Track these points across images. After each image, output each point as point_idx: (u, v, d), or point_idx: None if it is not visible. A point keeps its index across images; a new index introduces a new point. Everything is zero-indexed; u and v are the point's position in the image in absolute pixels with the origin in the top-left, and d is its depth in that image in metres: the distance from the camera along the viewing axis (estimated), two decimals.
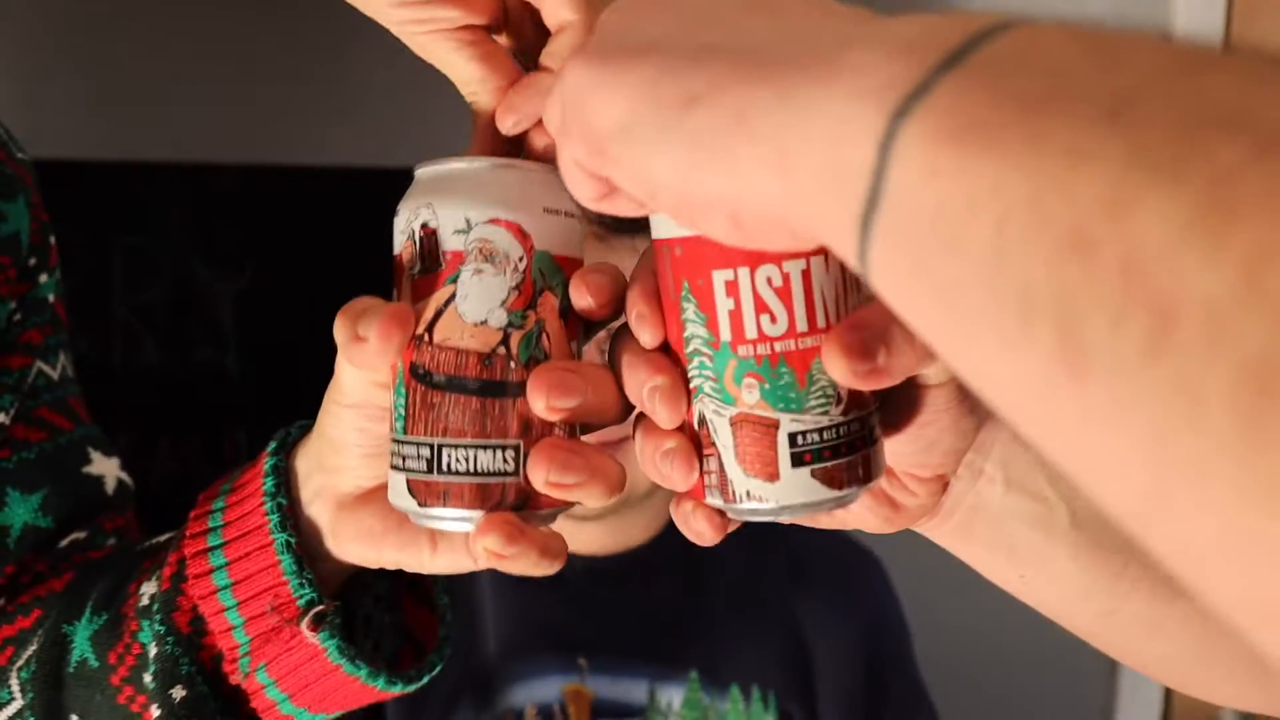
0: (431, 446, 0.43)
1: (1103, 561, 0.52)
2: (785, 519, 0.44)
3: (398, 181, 0.48)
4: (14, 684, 0.59)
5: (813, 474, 0.42)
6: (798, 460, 0.41)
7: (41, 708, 0.58)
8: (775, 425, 0.41)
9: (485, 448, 0.43)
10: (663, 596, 1.02)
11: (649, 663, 0.99)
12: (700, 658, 1.00)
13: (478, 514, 0.43)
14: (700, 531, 0.46)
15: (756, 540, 1.06)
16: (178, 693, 0.54)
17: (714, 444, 0.43)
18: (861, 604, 1.07)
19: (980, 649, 1.43)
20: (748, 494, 0.42)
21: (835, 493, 0.42)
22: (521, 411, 0.44)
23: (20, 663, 0.59)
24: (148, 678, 0.54)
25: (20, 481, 0.63)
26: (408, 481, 0.44)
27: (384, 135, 1.40)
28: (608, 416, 0.45)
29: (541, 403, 0.43)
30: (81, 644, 0.57)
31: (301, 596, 0.51)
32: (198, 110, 1.35)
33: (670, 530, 1.00)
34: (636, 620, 1.00)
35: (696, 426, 0.43)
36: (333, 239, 1.39)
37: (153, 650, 0.54)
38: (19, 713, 0.59)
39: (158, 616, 0.54)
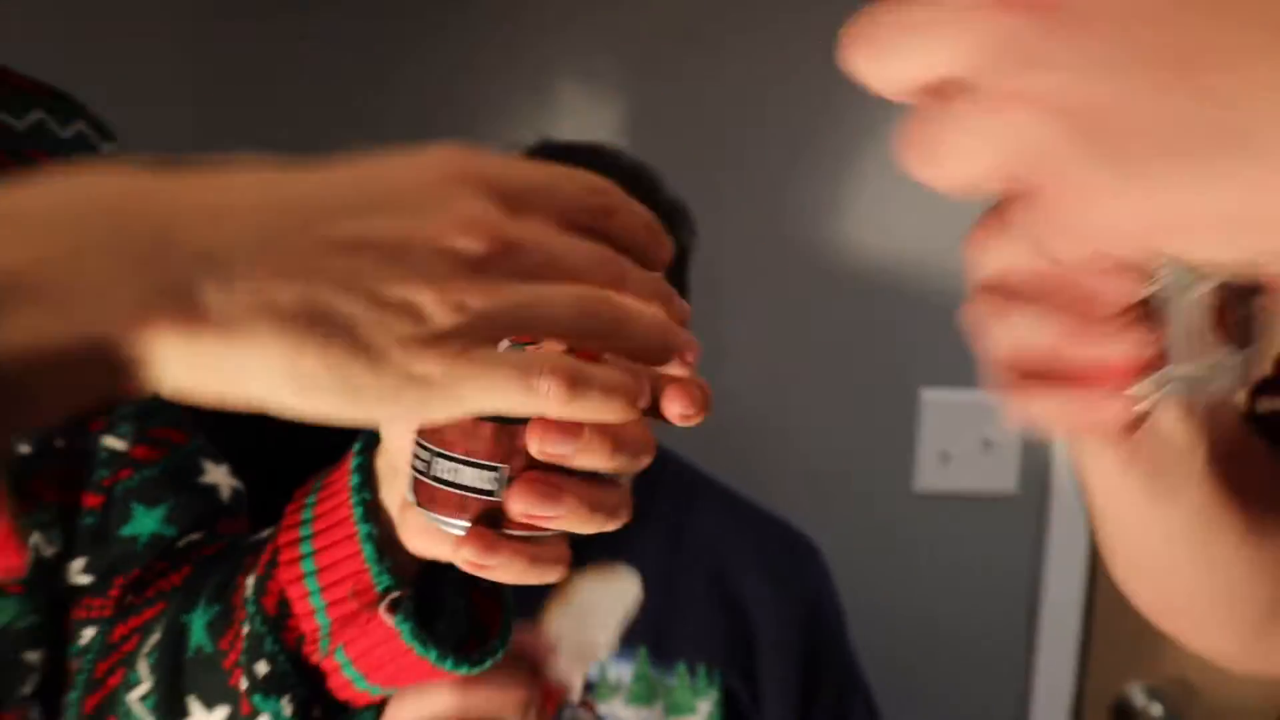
0: (430, 452, 0.48)
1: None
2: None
3: None
4: (142, 668, 0.66)
5: None
6: None
7: (165, 690, 0.64)
8: None
9: (470, 465, 0.47)
10: None
11: None
12: (649, 636, 1.07)
13: (462, 523, 0.47)
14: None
15: (702, 527, 1.16)
16: (261, 668, 0.59)
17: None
18: (802, 589, 1.15)
19: (906, 633, 1.52)
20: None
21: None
22: (514, 436, 0.46)
23: (146, 649, 0.66)
24: (244, 660, 0.60)
25: (145, 497, 0.69)
26: (413, 478, 0.49)
27: None
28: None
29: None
30: (198, 632, 0.64)
31: (380, 583, 0.56)
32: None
33: (636, 518, 1.09)
34: None
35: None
36: None
37: (248, 630, 0.59)
38: (147, 694, 0.66)
39: (253, 603, 0.60)
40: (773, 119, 1.55)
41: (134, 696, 0.66)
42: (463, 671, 0.58)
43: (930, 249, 1.56)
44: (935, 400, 1.57)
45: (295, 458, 0.69)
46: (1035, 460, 1.61)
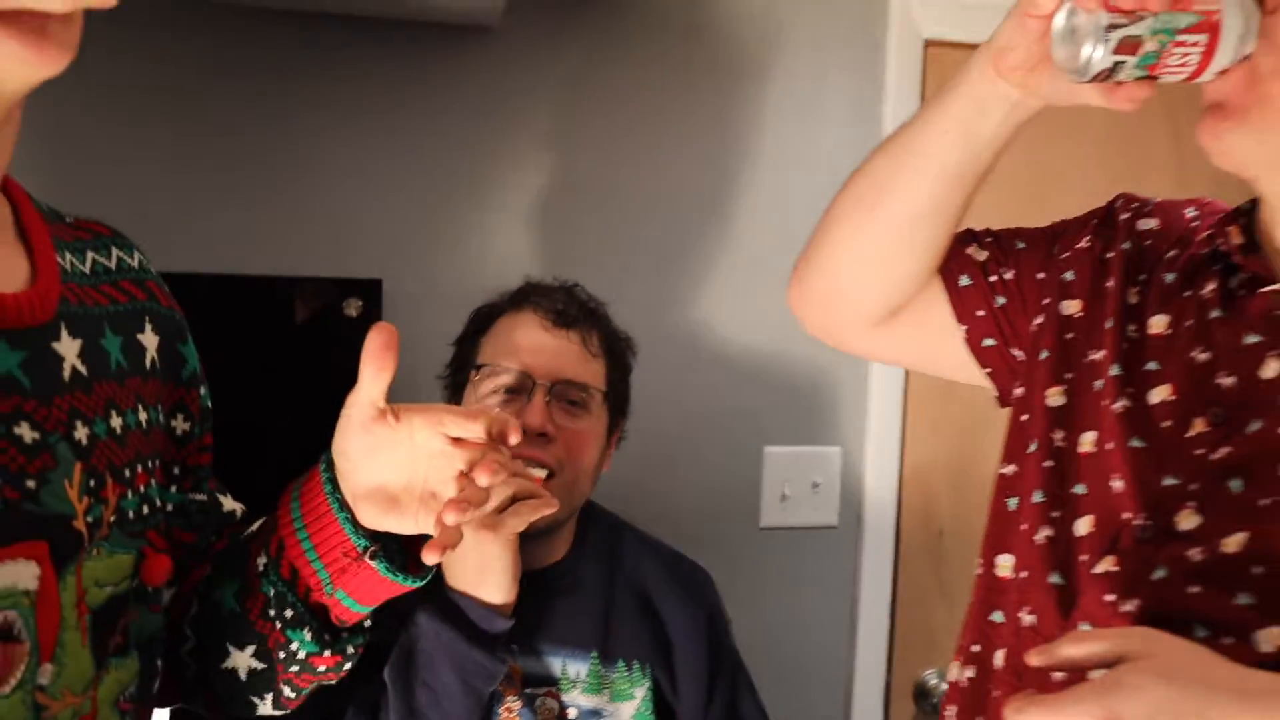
0: None
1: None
2: None
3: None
4: (188, 630, 0.90)
5: None
6: None
7: (207, 643, 0.89)
8: None
9: None
10: (570, 599, 1.31)
11: (562, 646, 1.29)
12: (598, 643, 1.30)
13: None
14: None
15: (628, 560, 1.38)
16: (287, 614, 0.86)
17: None
18: (702, 603, 1.40)
19: (758, 635, 1.66)
20: None
21: None
22: None
23: (189, 616, 0.90)
24: (271, 612, 0.86)
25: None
26: None
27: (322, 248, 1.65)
28: None
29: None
30: (228, 600, 0.88)
31: (360, 545, 0.83)
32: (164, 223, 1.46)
33: (573, 552, 1.34)
34: (552, 617, 1.29)
35: None
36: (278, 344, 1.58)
37: (271, 593, 0.85)
38: (193, 649, 0.90)
39: (270, 574, 0.85)
40: (650, 236, 1.77)
41: (185, 649, 0.90)
42: (418, 584, 0.87)
43: (771, 337, 1.82)
44: (775, 454, 1.85)
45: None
46: (851, 500, 1.89)
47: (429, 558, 0.81)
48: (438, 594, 1.16)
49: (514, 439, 0.85)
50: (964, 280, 1.04)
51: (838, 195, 1.04)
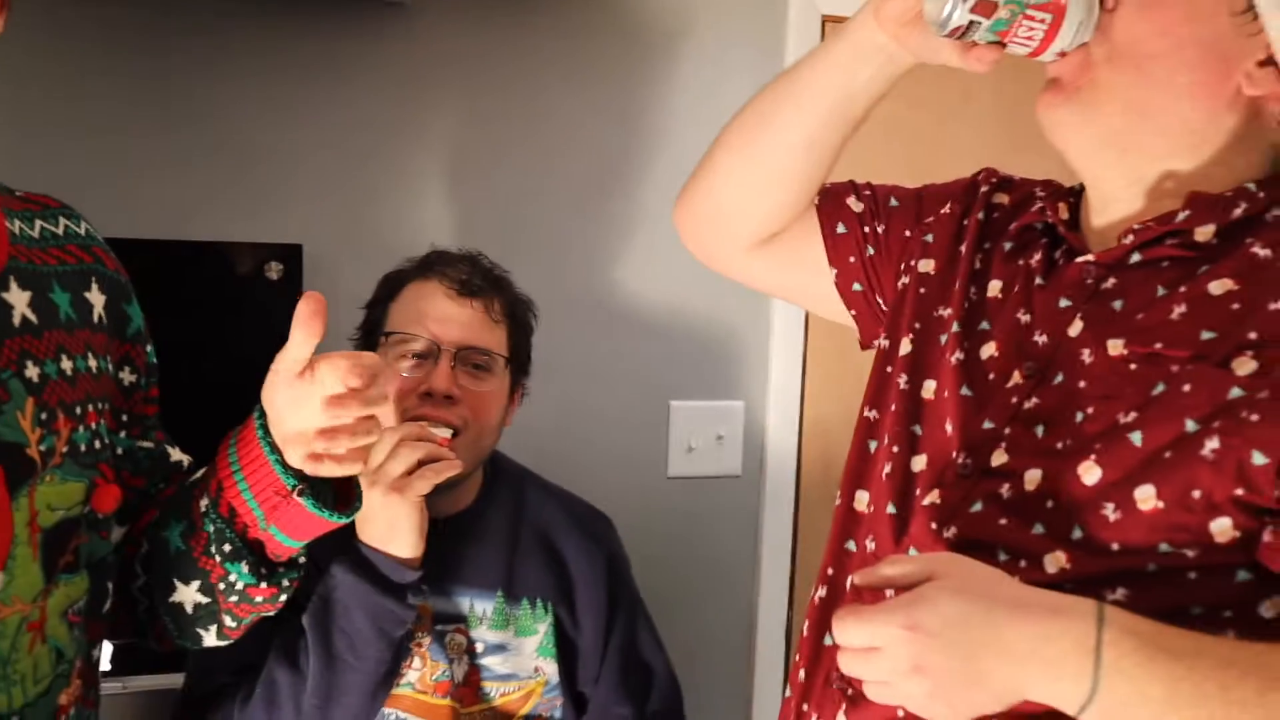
0: None
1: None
2: None
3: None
4: (138, 568, 0.97)
5: None
6: None
7: (156, 580, 0.96)
8: None
9: None
10: (475, 543, 1.40)
11: (469, 586, 1.38)
12: (503, 582, 1.39)
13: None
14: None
15: (531, 505, 1.47)
16: (226, 548, 0.92)
17: None
18: (601, 544, 1.49)
19: (667, 576, 1.80)
20: None
21: None
22: None
23: (140, 555, 0.97)
24: (212, 548, 0.93)
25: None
26: None
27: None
28: None
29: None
30: (175, 539, 0.94)
31: (290, 484, 0.89)
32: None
33: (481, 499, 1.43)
34: (460, 560, 1.38)
35: None
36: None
37: (211, 530, 0.92)
38: (144, 586, 0.97)
39: (211, 513, 0.92)
40: (558, 203, 1.84)
41: (136, 586, 0.97)
42: (344, 520, 0.94)
43: (675, 297, 1.91)
44: (681, 408, 1.94)
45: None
46: (754, 450, 1.98)
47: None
48: (351, 548, 1.25)
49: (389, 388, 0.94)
50: (840, 228, 1.14)
51: (726, 125, 1.14)
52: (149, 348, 1.00)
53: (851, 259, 1.14)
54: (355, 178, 1.75)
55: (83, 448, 0.85)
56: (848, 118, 1.05)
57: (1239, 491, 0.79)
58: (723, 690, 2.00)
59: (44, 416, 0.81)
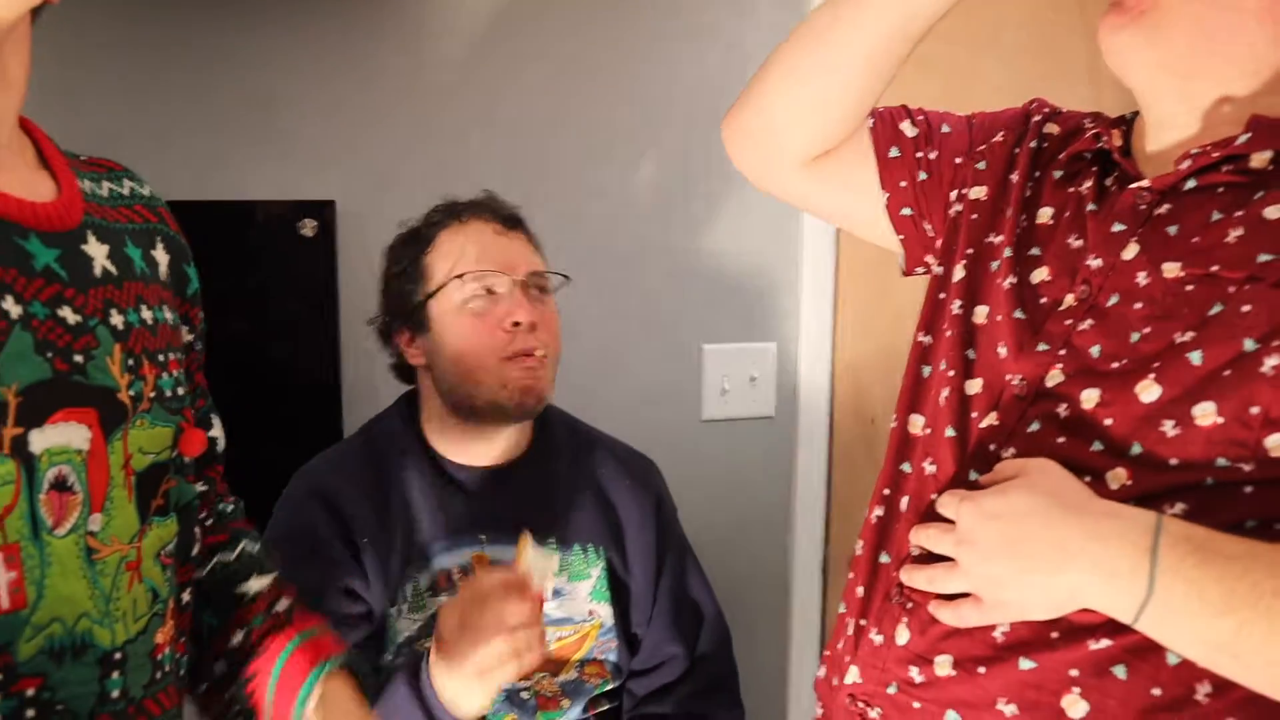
0: None
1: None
2: None
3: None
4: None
5: None
6: None
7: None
8: None
9: None
10: (529, 492, 1.41)
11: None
12: (554, 528, 1.40)
13: None
14: None
15: (583, 454, 1.49)
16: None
17: None
18: (649, 489, 1.50)
19: (706, 517, 1.76)
20: None
21: None
22: None
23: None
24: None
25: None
26: None
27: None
28: None
29: None
30: (207, 618, 0.99)
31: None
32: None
33: (533, 448, 1.44)
34: (513, 508, 1.38)
35: None
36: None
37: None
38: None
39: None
40: (592, 155, 1.84)
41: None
42: None
43: (707, 241, 1.91)
44: (713, 351, 1.95)
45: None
46: (786, 391, 2.00)
47: None
48: (421, 668, 1.19)
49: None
50: (893, 152, 1.13)
51: (781, 44, 1.11)
52: (201, 311, 1.01)
53: (903, 183, 1.14)
54: (386, 134, 1.75)
55: (168, 393, 0.86)
56: (908, 35, 1.03)
57: None
58: (762, 628, 2.02)
59: (130, 363, 0.82)
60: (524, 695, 1.39)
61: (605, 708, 1.45)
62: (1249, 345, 0.82)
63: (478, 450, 1.41)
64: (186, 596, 0.93)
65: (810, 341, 2.01)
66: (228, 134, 1.67)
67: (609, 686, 1.45)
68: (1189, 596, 0.77)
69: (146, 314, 0.86)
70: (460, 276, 1.37)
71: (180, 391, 0.89)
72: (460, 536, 1.38)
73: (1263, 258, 0.84)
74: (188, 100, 1.64)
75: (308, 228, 1.68)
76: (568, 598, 1.42)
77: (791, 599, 2.05)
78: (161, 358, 0.87)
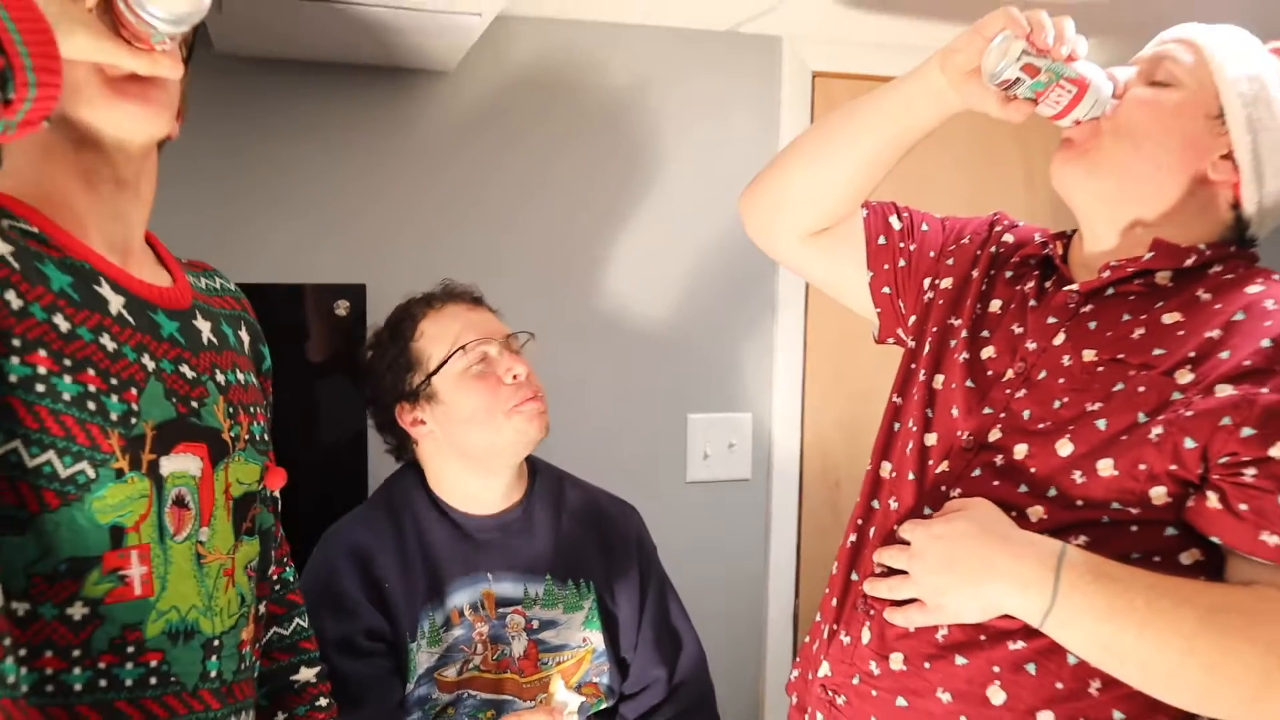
0: None
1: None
2: None
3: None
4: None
5: None
6: None
7: None
8: None
9: None
10: (527, 535, 1.59)
11: (523, 573, 1.56)
12: (551, 567, 1.58)
13: None
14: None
15: (570, 499, 1.65)
16: None
17: None
18: (630, 529, 1.67)
19: (688, 568, 1.86)
20: None
21: None
22: None
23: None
24: None
25: None
26: None
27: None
28: None
29: None
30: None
31: None
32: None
33: (528, 498, 1.63)
34: (514, 551, 1.57)
35: None
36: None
37: None
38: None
39: None
40: (586, 243, 2.05)
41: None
42: None
43: (690, 322, 2.11)
44: (697, 420, 2.14)
45: None
46: (762, 457, 2.18)
47: None
48: None
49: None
50: (881, 240, 1.37)
51: (802, 133, 1.35)
52: (271, 385, 1.22)
53: (886, 266, 1.36)
54: (410, 224, 1.97)
55: (257, 437, 1.08)
56: (902, 143, 1.27)
57: (1173, 467, 1.01)
58: (738, 666, 2.18)
59: (230, 411, 1.04)
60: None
61: None
62: (1141, 417, 1.04)
63: (482, 499, 1.59)
64: (262, 609, 1.13)
65: (782, 411, 2.21)
66: (274, 225, 1.88)
67: (604, 705, 1.61)
68: (1082, 607, 0.98)
69: (239, 376, 1.08)
70: (463, 349, 1.55)
71: (265, 438, 1.11)
72: (470, 576, 1.56)
73: (1156, 352, 1.07)
74: (235, 197, 1.86)
75: (341, 308, 1.90)
76: (564, 627, 1.59)
77: (766, 639, 2.21)
78: (251, 409, 1.09)
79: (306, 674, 1.25)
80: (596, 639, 1.61)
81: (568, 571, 1.61)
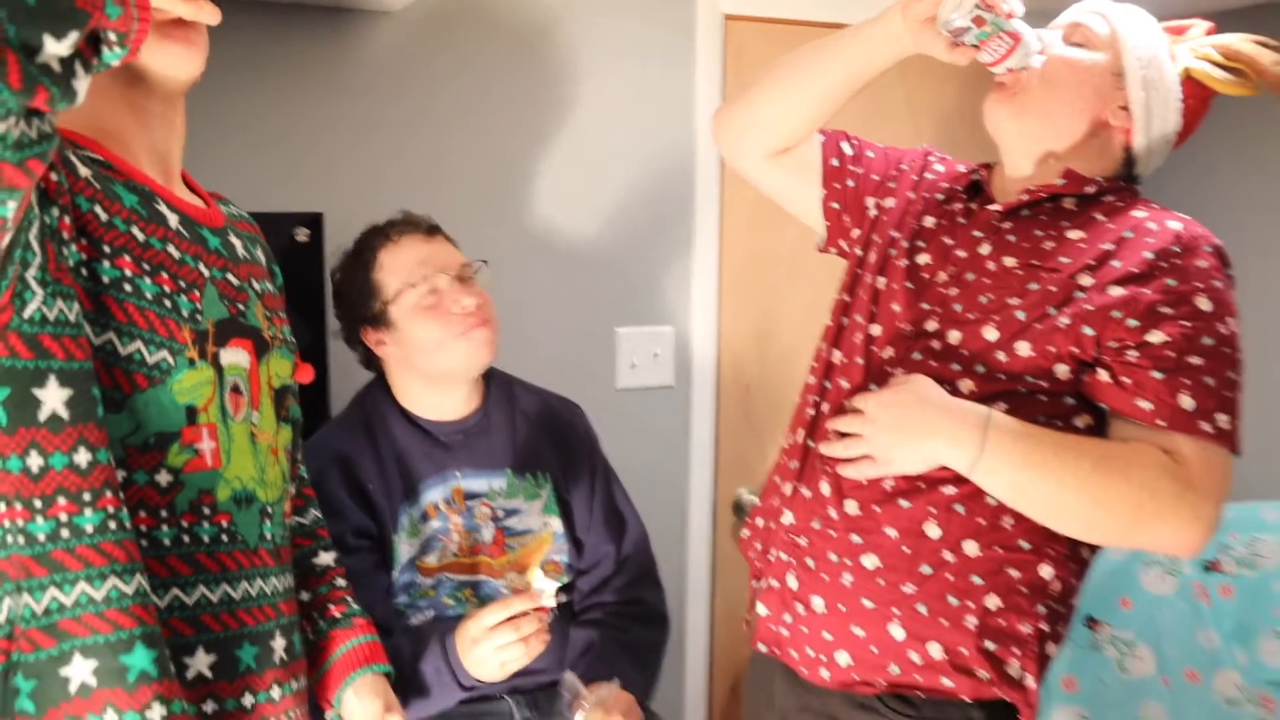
0: None
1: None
2: None
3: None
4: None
5: None
6: None
7: None
8: None
9: None
10: (488, 435, 1.75)
11: (486, 469, 1.72)
12: (510, 462, 1.74)
13: None
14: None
15: (522, 399, 1.81)
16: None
17: None
18: (578, 425, 1.85)
19: (619, 471, 1.99)
20: None
21: None
22: None
23: None
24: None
25: None
26: None
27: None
28: None
29: None
30: None
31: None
32: None
33: (486, 403, 1.78)
34: (478, 449, 1.73)
35: None
36: None
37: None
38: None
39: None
40: (522, 173, 2.17)
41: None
42: None
43: (620, 244, 2.25)
44: (625, 333, 2.30)
45: None
46: (682, 365, 2.35)
47: None
48: (448, 640, 1.54)
49: None
50: (834, 161, 1.55)
51: (775, 63, 1.51)
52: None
53: (836, 185, 1.55)
54: (359, 156, 2.07)
55: (287, 338, 1.21)
56: (861, 78, 1.44)
57: (1074, 349, 1.25)
58: (665, 547, 2.31)
59: (266, 314, 1.17)
60: (504, 590, 1.73)
61: (563, 600, 1.79)
62: (1051, 310, 1.27)
63: (444, 408, 1.74)
64: (293, 489, 1.27)
65: (700, 326, 2.39)
66: (236, 156, 1.97)
67: (565, 580, 1.79)
68: (1002, 458, 1.21)
69: (269, 285, 1.21)
70: (413, 285, 1.67)
71: (292, 339, 1.24)
72: (440, 475, 1.71)
73: (1063, 259, 1.30)
74: (199, 125, 1.92)
75: (302, 234, 2.00)
76: (525, 514, 1.76)
77: (689, 525, 2.42)
78: (281, 314, 1.22)
79: (325, 558, 1.39)
80: (555, 523, 1.78)
81: (525, 465, 1.77)
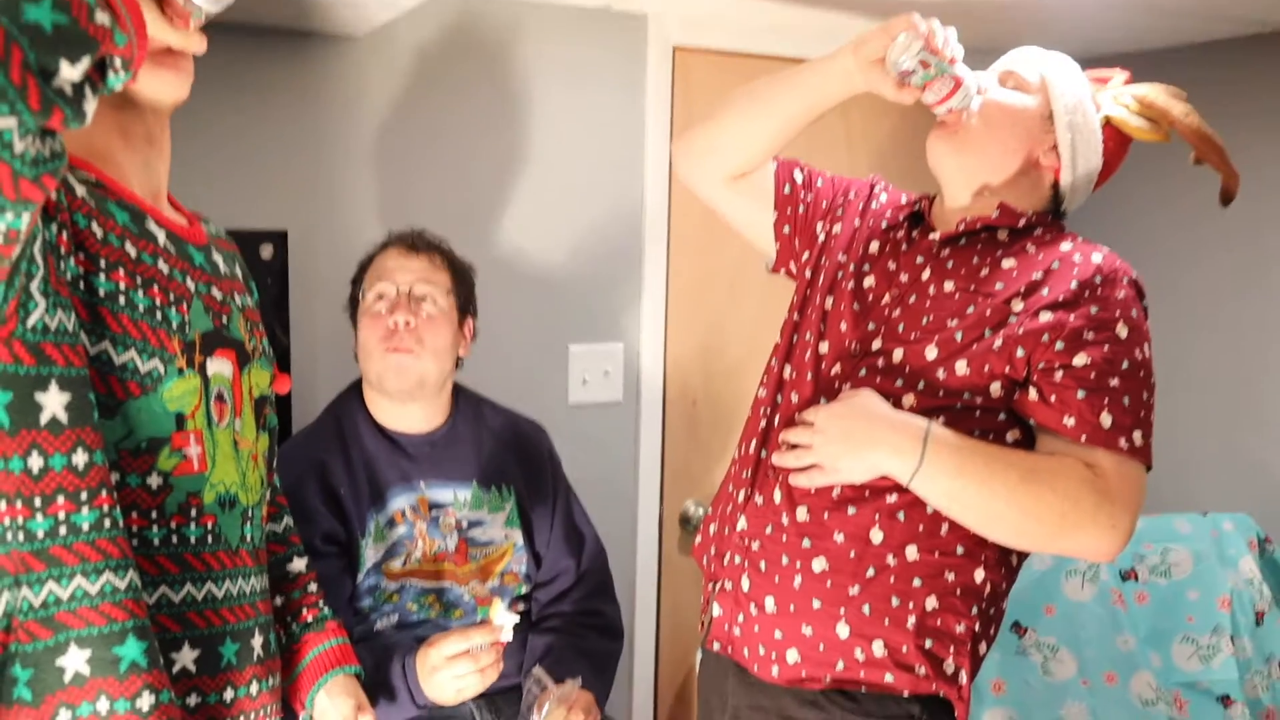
0: None
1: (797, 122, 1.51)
2: None
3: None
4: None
5: None
6: None
7: None
8: None
9: None
10: (454, 449, 1.80)
11: (452, 480, 1.78)
12: (476, 475, 1.79)
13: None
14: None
15: (489, 418, 1.87)
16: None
17: None
18: (542, 444, 1.91)
19: (570, 475, 2.04)
20: None
21: None
22: None
23: None
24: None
25: None
26: None
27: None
28: None
29: None
30: None
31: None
32: None
33: (452, 418, 1.83)
34: (443, 462, 1.78)
35: None
36: None
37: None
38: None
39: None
40: (478, 197, 2.22)
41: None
42: None
43: (573, 257, 2.32)
44: (577, 351, 2.36)
45: None
46: (631, 381, 2.42)
47: None
48: (408, 661, 1.57)
49: None
50: (786, 188, 1.63)
51: (735, 93, 1.57)
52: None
53: (789, 210, 1.63)
54: (324, 177, 2.11)
55: (266, 350, 1.26)
56: (814, 111, 1.52)
57: (1006, 369, 1.35)
58: (614, 557, 2.30)
59: (247, 326, 1.21)
60: (466, 597, 1.78)
61: (522, 608, 1.85)
62: (987, 333, 1.36)
63: (404, 421, 1.78)
64: (269, 494, 1.31)
65: (648, 343, 2.47)
66: (205, 175, 1.97)
67: (524, 590, 1.85)
68: (940, 468, 1.30)
69: (248, 300, 1.26)
70: (371, 288, 1.76)
71: (270, 351, 1.28)
72: (406, 484, 1.76)
73: (998, 286, 1.40)
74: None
75: (266, 251, 2.03)
76: (488, 525, 1.81)
77: (637, 535, 2.49)
78: (260, 327, 1.26)
79: (298, 564, 1.43)
80: (516, 535, 1.84)
81: (490, 479, 1.83)
